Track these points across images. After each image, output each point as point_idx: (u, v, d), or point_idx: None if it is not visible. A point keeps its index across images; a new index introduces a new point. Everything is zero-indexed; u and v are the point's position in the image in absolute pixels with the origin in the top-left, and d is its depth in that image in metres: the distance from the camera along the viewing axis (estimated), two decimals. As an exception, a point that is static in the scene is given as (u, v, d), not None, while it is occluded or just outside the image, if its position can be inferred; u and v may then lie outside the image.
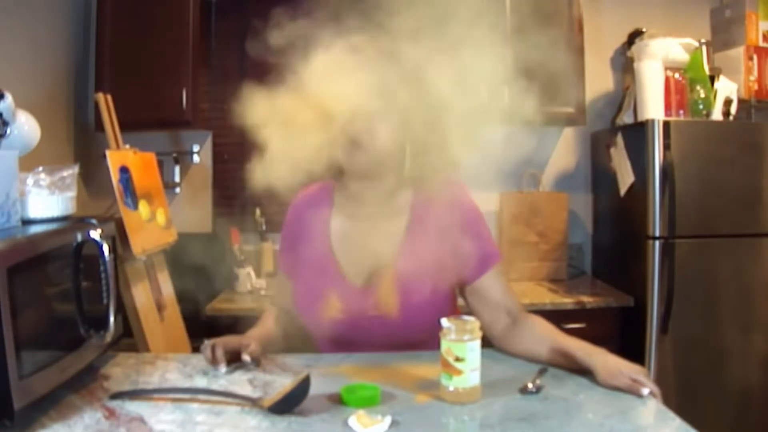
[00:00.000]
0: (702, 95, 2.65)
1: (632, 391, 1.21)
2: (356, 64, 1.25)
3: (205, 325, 2.47)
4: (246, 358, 1.33)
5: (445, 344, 1.22)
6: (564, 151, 3.21)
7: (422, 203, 1.35)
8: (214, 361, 1.34)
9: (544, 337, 1.38)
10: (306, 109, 1.28)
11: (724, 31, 2.94)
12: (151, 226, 2.18)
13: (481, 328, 1.21)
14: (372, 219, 1.35)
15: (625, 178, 2.69)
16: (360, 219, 1.36)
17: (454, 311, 1.41)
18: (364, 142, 1.24)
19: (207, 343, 1.37)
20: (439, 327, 1.20)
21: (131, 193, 2.09)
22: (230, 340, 1.37)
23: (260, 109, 1.32)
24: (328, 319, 1.35)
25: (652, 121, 2.50)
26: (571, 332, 2.59)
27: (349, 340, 1.37)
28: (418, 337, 1.31)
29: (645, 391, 1.21)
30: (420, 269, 1.30)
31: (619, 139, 2.74)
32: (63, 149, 2.86)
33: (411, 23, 1.32)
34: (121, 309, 1.47)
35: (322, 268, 1.37)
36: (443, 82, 1.29)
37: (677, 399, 2.36)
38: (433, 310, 1.32)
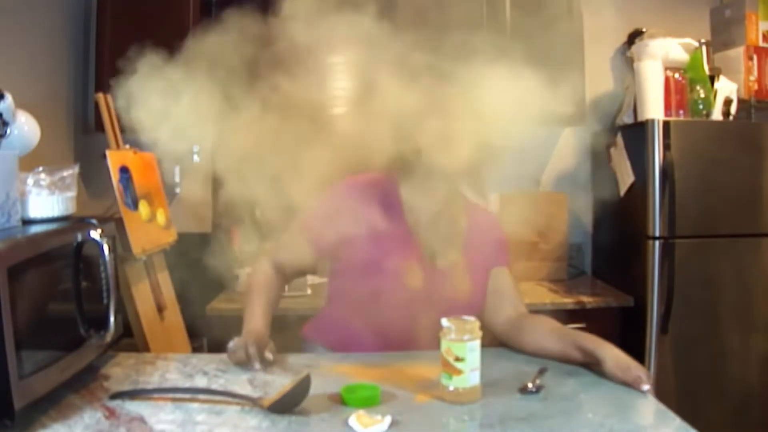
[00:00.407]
0: (702, 95, 2.65)
1: (635, 385, 1.24)
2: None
3: (206, 325, 2.47)
4: (269, 356, 1.35)
5: (445, 344, 1.22)
6: (564, 151, 3.21)
7: (472, 211, 1.54)
8: (248, 360, 1.34)
9: (553, 330, 1.44)
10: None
11: (723, 31, 2.94)
12: (151, 226, 2.18)
13: (483, 320, 1.30)
14: (438, 216, 1.46)
15: (625, 178, 2.69)
16: (428, 214, 1.45)
17: None
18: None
19: (238, 344, 1.36)
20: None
21: (131, 193, 2.09)
22: (259, 338, 1.37)
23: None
24: (406, 290, 1.41)
25: (652, 121, 2.50)
26: (571, 332, 2.57)
27: (413, 314, 1.43)
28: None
29: (645, 387, 1.23)
30: (480, 264, 1.50)
31: (619, 139, 2.74)
32: (63, 149, 2.86)
33: (412, 25, 1.37)
34: (121, 309, 1.47)
35: (401, 242, 1.43)
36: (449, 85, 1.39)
37: (677, 399, 2.36)
38: (484, 298, 1.51)
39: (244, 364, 1.36)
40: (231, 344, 1.38)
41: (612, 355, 1.30)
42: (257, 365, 1.33)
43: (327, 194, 1.49)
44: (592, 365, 1.34)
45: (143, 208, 2.14)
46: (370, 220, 1.42)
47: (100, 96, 2.20)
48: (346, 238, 1.42)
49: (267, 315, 1.45)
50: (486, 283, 1.52)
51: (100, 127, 2.25)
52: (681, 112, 2.65)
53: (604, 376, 1.30)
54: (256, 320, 1.42)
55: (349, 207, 1.44)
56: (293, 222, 1.53)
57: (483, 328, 1.24)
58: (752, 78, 2.78)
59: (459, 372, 1.21)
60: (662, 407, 1.21)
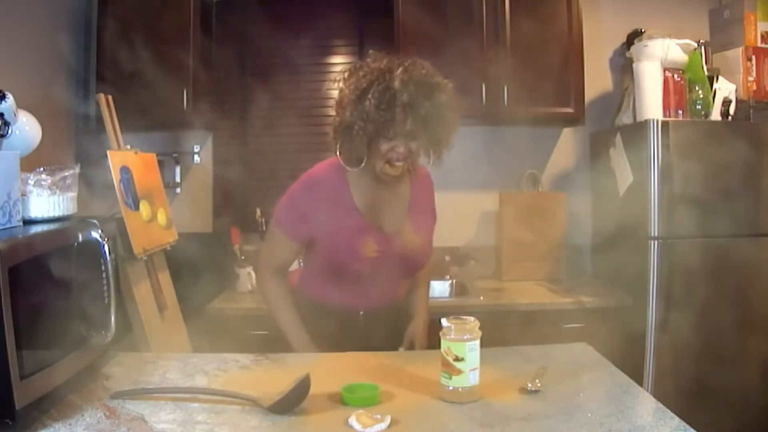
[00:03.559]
0: (701, 96, 2.65)
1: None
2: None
3: (206, 325, 2.47)
4: None
5: (444, 344, 1.23)
6: (564, 151, 3.21)
7: (415, 181, 1.80)
8: None
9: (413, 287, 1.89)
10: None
11: (722, 31, 2.94)
12: (151, 226, 2.19)
13: None
14: (384, 191, 1.72)
15: (624, 178, 2.69)
16: (375, 190, 1.71)
17: None
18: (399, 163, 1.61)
19: None
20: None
21: (132, 194, 2.09)
22: None
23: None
24: (366, 258, 1.66)
25: (651, 121, 2.50)
26: (571, 332, 2.60)
27: (375, 272, 1.69)
28: (421, 265, 1.82)
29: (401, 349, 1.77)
30: (423, 222, 1.78)
31: (618, 140, 2.75)
32: (64, 149, 2.86)
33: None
34: (121, 309, 1.48)
35: (355, 224, 1.68)
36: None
37: (676, 398, 2.36)
38: (430, 248, 1.82)
39: None
40: None
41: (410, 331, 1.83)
42: None
43: (289, 191, 1.72)
44: None
45: (144, 208, 2.14)
46: (325, 206, 1.67)
47: (101, 96, 2.20)
48: (311, 224, 1.68)
49: (302, 326, 1.71)
50: (430, 236, 1.81)
51: (101, 127, 2.25)
52: (680, 112, 2.65)
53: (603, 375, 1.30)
54: (302, 337, 1.69)
55: (309, 198, 1.68)
56: (269, 226, 1.80)
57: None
58: (751, 78, 2.78)
59: (458, 372, 1.21)
60: (661, 407, 1.22)
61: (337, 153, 1.66)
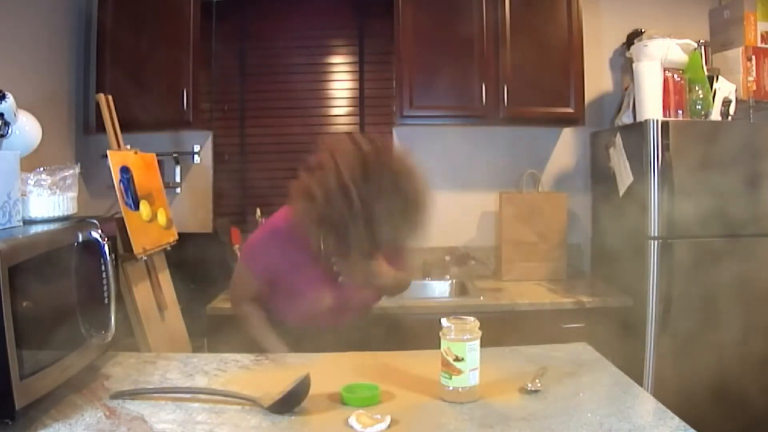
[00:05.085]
0: (701, 96, 2.65)
1: None
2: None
3: (206, 325, 2.47)
4: None
5: (444, 344, 1.23)
6: (563, 151, 3.21)
7: None
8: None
9: None
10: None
11: (722, 31, 2.94)
12: (151, 226, 2.19)
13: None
14: None
15: (624, 178, 2.69)
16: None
17: None
18: None
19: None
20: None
21: (132, 194, 2.09)
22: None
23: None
24: (321, 309, 1.68)
25: (651, 121, 2.50)
26: (571, 332, 2.60)
27: (332, 319, 1.73)
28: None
29: None
30: (392, 252, 1.69)
31: (618, 140, 2.75)
32: (64, 149, 2.86)
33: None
34: (121, 308, 1.48)
35: (312, 275, 1.68)
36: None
37: (676, 398, 2.36)
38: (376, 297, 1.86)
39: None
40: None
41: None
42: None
43: (256, 233, 1.80)
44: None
45: (144, 208, 2.14)
46: (286, 254, 1.66)
47: (101, 96, 2.20)
48: (273, 267, 1.70)
49: (271, 329, 1.74)
50: (402, 260, 1.79)
51: (101, 127, 2.25)
52: (680, 112, 2.65)
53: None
54: (278, 345, 1.69)
55: (271, 245, 1.70)
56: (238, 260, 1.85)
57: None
58: (751, 78, 2.78)
59: (458, 372, 1.21)
60: (661, 407, 1.22)
61: (321, 247, 1.52)
